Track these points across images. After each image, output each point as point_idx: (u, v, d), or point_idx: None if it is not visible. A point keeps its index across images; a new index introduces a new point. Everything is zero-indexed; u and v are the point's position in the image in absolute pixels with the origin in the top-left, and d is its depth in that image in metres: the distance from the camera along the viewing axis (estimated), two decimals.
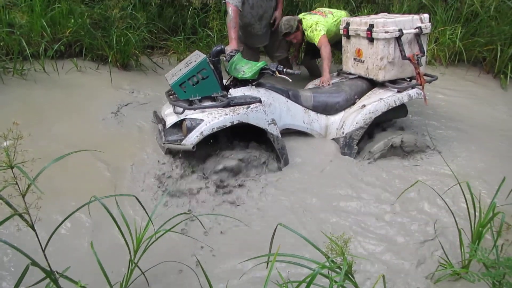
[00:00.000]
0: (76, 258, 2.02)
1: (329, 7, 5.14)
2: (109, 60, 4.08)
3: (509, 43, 4.82)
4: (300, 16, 3.88)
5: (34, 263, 1.55)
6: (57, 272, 1.70)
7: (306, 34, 3.78)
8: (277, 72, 2.99)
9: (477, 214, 2.07)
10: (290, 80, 3.07)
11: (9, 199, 1.52)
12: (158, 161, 2.84)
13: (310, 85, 3.69)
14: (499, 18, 5.04)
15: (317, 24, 3.68)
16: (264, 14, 3.96)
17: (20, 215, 1.55)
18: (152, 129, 3.26)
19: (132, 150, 2.98)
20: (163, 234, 1.78)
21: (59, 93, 3.63)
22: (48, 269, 1.66)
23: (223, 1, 3.67)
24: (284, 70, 3.00)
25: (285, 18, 3.76)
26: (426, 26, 3.22)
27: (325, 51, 3.62)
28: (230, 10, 3.58)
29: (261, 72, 3.02)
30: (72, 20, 4.19)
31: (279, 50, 4.26)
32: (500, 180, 2.28)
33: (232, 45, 3.42)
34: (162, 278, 1.96)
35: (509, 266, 1.69)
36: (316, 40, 3.67)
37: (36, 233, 1.60)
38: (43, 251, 1.64)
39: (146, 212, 1.78)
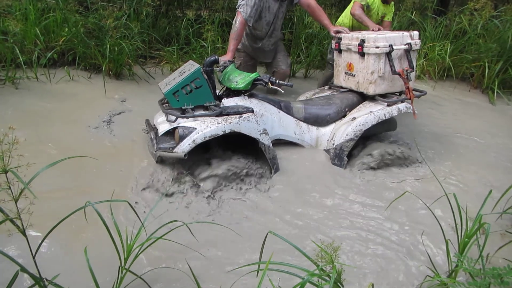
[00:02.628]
0: (67, 265, 2.01)
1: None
2: (103, 69, 4.09)
3: (496, 60, 4.96)
4: None
5: (23, 270, 1.54)
6: (46, 279, 1.69)
7: (390, 6, 4.25)
8: (269, 83, 3.04)
9: (463, 225, 2.11)
10: (283, 91, 3.12)
11: (1, 204, 1.51)
12: (150, 168, 2.84)
13: (302, 97, 3.75)
14: (486, 36, 5.18)
15: None
16: (274, 31, 4.01)
17: (12, 220, 1.55)
18: (144, 137, 3.27)
19: (125, 158, 2.99)
20: (155, 241, 1.78)
21: (51, 102, 3.63)
22: (38, 275, 1.65)
23: (237, 9, 3.63)
24: (277, 81, 3.05)
25: None
26: (416, 42, 3.31)
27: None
28: (238, 21, 3.55)
29: (254, 83, 3.07)
30: (66, 29, 4.22)
31: (281, 63, 4.28)
32: (487, 192, 2.33)
33: (227, 56, 3.46)
34: (153, 285, 1.96)
35: (494, 276, 1.72)
36: (390, 18, 4.29)
37: (27, 239, 1.60)
38: (33, 257, 1.63)
39: (139, 218, 1.78)
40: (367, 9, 4.12)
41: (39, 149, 2.89)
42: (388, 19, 4.28)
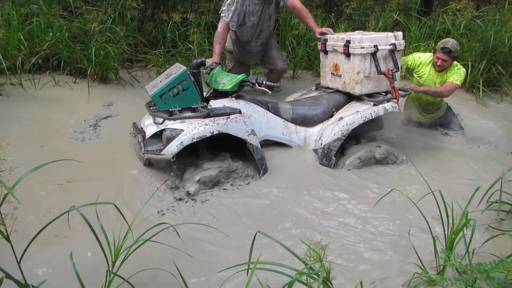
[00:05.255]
0: (54, 271, 1.99)
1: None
2: (88, 73, 4.06)
3: (479, 59, 5.03)
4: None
5: (8, 276, 1.52)
6: (33, 286, 1.67)
7: (453, 70, 3.68)
8: (256, 85, 3.05)
9: (450, 221, 2.13)
10: (270, 92, 3.12)
11: None
12: (137, 172, 2.83)
13: (289, 98, 3.76)
14: (469, 36, 5.26)
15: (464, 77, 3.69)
16: (261, 33, 4.03)
17: None
18: (131, 141, 3.25)
19: (111, 162, 2.97)
20: (142, 244, 1.77)
21: (36, 107, 3.59)
22: (24, 282, 1.63)
23: (220, 14, 3.71)
24: (264, 82, 3.06)
25: (455, 41, 3.64)
26: (400, 43, 3.34)
27: (444, 92, 3.62)
28: (221, 25, 3.64)
29: (241, 84, 3.07)
30: (51, 34, 4.17)
31: (277, 60, 4.24)
32: (474, 189, 2.36)
33: (213, 59, 3.47)
34: (141, 287, 1.95)
35: (480, 271, 1.74)
36: (454, 79, 3.63)
37: (11, 245, 1.57)
38: (18, 263, 1.61)
39: (126, 220, 1.77)
40: (406, 71, 4.01)
41: (23, 154, 2.85)
42: (453, 80, 3.64)
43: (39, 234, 1.59)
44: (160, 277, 2.02)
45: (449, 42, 3.59)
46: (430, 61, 3.79)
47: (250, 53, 4.19)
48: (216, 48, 3.58)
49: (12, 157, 2.58)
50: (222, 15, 3.66)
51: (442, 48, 3.59)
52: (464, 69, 3.70)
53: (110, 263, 1.73)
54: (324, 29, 3.67)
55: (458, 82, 3.64)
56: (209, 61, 3.30)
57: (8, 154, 2.13)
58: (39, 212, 2.31)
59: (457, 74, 3.66)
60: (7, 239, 1.55)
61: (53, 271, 2.00)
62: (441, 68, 3.70)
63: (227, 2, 3.66)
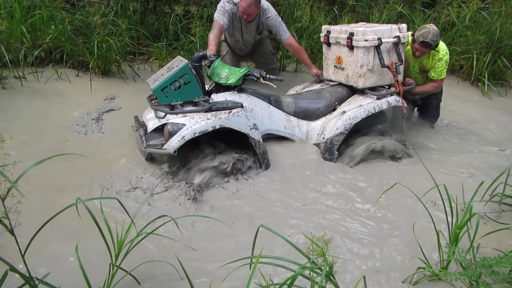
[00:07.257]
0: (58, 264, 2.00)
1: (311, 15, 5.25)
2: (90, 66, 4.05)
3: (484, 52, 4.99)
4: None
5: (13, 269, 1.52)
6: (37, 278, 1.68)
7: (433, 59, 3.51)
8: (261, 78, 3.03)
9: (454, 216, 2.12)
10: (274, 86, 3.11)
11: None
12: (140, 166, 2.83)
13: (292, 91, 3.74)
14: (474, 28, 5.21)
15: (447, 64, 3.53)
16: (246, 48, 4.18)
17: None
18: (133, 134, 3.25)
19: (114, 156, 2.97)
20: (145, 237, 1.78)
21: (39, 100, 3.59)
22: (28, 275, 1.64)
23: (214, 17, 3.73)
24: (268, 76, 3.05)
25: (436, 29, 3.34)
26: (404, 35, 3.32)
27: (435, 90, 3.64)
28: (216, 26, 3.61)
29: (245, 78, 3.06)
30: (53, 27, 4.16)
31: (267, 63, 4.41)
32: (477, 183, 2.35)
33: (210, 50, 3.44)
34: (143, 280, 1.95)
35: (484, 266, 1.74)
36: (435, 76, 3.54)
37: (15, 238, 1.58)
38: (23, 256, 1.62)
39: (129, 215, 1.77)
40: None
41: (26, 148, 2.85)
42: (432, 76, 3.55)
43: (43, 228, 1.59)
44: (162, 270, 2.03)
45: (429, 35, 3.30)
46: (409, 42, 3.54)
47: (235, 52, 4.31)
48: (211, 40, 3.50)
49: (15, 151, 2.59)
50: (215, 17, 3.66)
51: (421, 42, 3.34)
52: (445, 58, 3.49)
53: (113, 256, 1.74)
54: (319, 72, 3.82)
55: (443, 76, 3.54)
56: (208, 53, 3.26)
57: (11, 148, 2.13)
58: (43, 205, 2.32)
59: (437, 70, 3.51)
60: (11, 232, 1.55)
61: (57, 264, 2.00)
62: (417, 55, 3.54)
63: (219, 8, 3.67)
